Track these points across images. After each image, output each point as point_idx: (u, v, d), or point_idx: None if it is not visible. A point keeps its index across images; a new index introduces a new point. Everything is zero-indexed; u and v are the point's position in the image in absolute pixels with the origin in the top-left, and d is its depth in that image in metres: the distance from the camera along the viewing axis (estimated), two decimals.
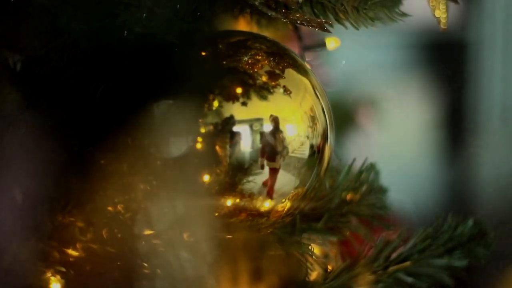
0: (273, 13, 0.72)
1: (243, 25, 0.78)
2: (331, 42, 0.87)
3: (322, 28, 0.72)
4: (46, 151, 0.62)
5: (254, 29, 0.78)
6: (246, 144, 0.69)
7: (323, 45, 0.87)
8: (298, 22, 0.72)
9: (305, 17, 0.72)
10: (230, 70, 0.69)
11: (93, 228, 0.64)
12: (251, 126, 0.69)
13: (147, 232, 0.65)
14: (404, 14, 0.77)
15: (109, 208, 0.65)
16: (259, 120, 0.69)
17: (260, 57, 0.71)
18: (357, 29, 0.75)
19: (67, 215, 0.64)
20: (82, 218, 0.65)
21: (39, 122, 0.62)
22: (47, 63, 0.63)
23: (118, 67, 0.63)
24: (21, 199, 0.62)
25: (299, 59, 0.74)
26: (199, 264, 0.64)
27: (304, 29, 0.82)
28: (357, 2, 0.73)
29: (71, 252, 0.65)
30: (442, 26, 0.77)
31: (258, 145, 0.69)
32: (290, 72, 0.72)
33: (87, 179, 0.64)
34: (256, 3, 0.71)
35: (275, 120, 0.69)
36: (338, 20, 0.74)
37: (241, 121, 0.69)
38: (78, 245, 0.65)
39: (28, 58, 0.63)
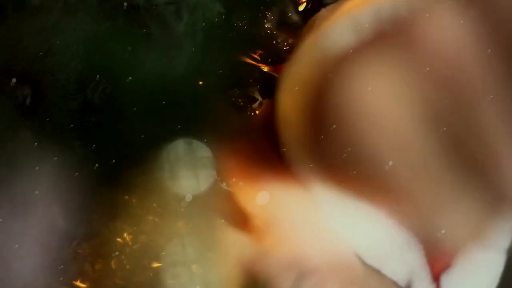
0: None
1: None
2: None
3: None
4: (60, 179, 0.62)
5: None
6: None
7: None
8: None
9: None
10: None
11: (102, 260, 0.64)
12: None
13: (156, 264, 0.65)
14: None
15: (118, 239, 0.65)
16: None
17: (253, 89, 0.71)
18: None
19: (76, 247, 0.64)
20: (91, 250, 0.64)
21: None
22: (50, 60, 0.63)
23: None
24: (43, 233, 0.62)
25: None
26: None
27: None
28: None
29: (79, 284, 0.65)
30: None
31: None
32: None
33: (98, 211, 0.64)
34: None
35: None
36: None
37: None
38: (87, 277, 0.65)
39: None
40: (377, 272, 0.65)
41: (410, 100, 0.62)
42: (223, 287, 0.67)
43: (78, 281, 0.65)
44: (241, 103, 0.70)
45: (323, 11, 0.68)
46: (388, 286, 0.65)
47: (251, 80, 0.71)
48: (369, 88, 0.62)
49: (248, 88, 0.71)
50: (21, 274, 0.63)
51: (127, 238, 0.65)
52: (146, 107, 0.64)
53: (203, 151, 0.66)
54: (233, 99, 0.69)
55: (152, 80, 0.64)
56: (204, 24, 0.67)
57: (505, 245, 0.68)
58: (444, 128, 0.62)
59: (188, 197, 0.65)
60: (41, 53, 0.64)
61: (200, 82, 0.67)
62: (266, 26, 0.71)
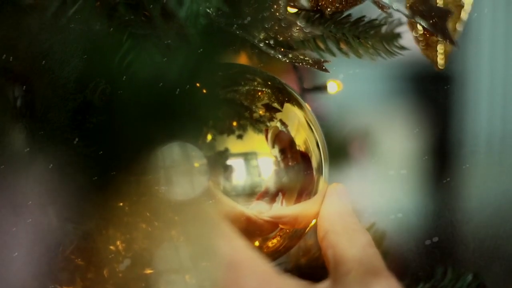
0: (272, 52, 0.72)
1: (244, 60, 0.78)
2: (333, 86, 0.84)
3: (320, 67, 0.72)
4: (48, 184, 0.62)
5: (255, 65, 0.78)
6: (241, 177, 0.69)
7: (323, 88, 0.86)
8: (296, 61, 0.72)
9: (303, 57, 0.72)
10: (227, 102, 0.69)
11: (94, 267, 0.64)
12: (245, 160, 0.69)
13: (149, 272, 0.65)
14: (402, 48, 0.77)
15: (111, 247, 0.64)
16: (254, 154, 0.69)
17: (257, 90, 0.71)
18: (360, 57, 0.75)
19: (68, 254, 0.64)
20: (83, 257, 0.64)
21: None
22: (51, 57, 0.63)
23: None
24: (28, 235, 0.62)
25: (294, 93, 0.74)
26: None
27: (305, 71, 0.82)
28: (358, 32, 0.74)
29: None
30: (439, 67, 0.77)
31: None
32: (285, 106, 0.71)
33: (88, 217, 0.64)
34: (255, 42, 0.71)
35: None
36: (340, 50, 0.74)
37: (236, 155, 0.68)
38: (79, 285, 0.65)
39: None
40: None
41: None
42: None
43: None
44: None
45: None
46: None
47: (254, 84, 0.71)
48: None
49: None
50: (11, 281, 0.63)
51: (120, 246, 0.65)
52: (145, 109, 0.63)
53: (198, 157, 0.65)
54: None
55: (153, 81, 0.63)
56: (204, 23, 0.66)
57: None
58: None
59: (183, 204, 0.65)
60: (41, 53, 0.63)
61: (198, 84, 0.66)
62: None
